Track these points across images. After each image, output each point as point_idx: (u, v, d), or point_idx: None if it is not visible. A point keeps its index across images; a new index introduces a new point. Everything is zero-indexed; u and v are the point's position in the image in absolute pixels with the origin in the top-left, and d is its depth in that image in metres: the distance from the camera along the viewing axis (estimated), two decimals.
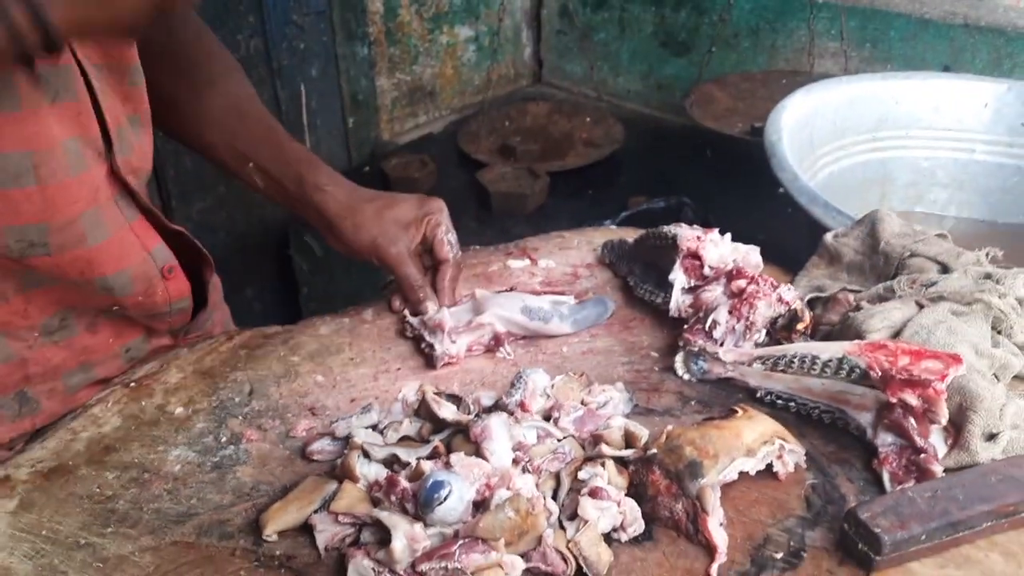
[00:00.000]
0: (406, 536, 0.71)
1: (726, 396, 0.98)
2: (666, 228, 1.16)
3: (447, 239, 1.14)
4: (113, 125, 0.97)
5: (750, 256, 1.14)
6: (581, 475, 0.80)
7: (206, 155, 1.23)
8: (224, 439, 0.93)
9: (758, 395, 0.96)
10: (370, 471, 0.81)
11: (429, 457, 0.81)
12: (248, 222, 2.49)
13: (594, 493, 0.77)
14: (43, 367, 1.01)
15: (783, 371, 0.94)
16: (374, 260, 1.13)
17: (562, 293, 1.20)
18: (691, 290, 1.10)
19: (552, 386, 0.93)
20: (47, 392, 1.02)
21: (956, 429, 0.86)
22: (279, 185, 1.17)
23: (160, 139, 1.11)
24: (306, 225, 2.30)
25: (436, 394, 0.89)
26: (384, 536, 0.73)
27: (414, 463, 0.79)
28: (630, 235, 1.29)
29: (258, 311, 2.57)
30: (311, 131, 2.51)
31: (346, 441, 0.87)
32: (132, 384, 1.02)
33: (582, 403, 0.92)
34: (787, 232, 1.46)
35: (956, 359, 0.84)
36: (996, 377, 0.91)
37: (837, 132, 1.71)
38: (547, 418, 0.89)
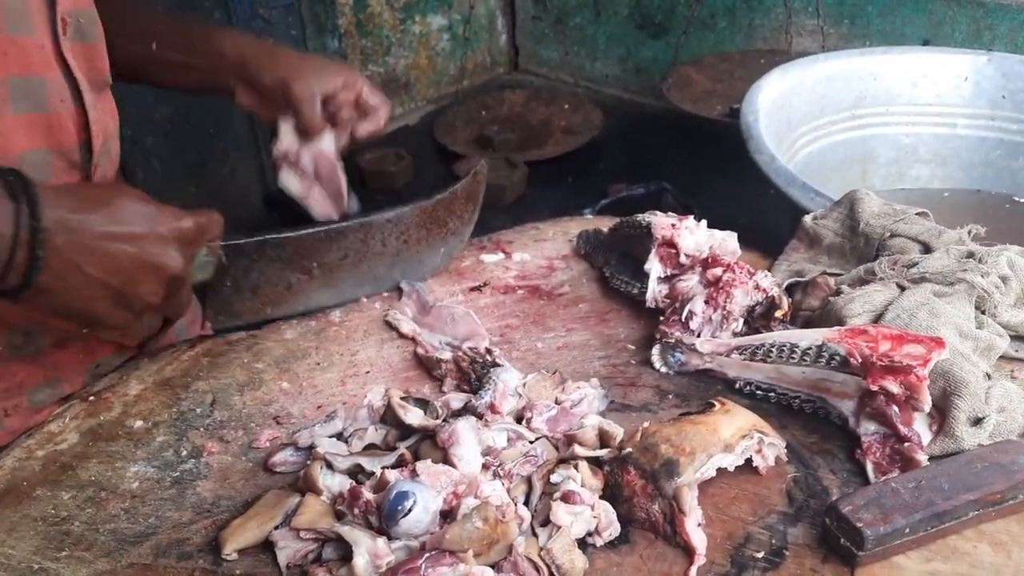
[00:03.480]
0: (368, 552, 0.68)
1: (705, 388, 0.95)
2: (640, 216, 1.13)
3: (370, 90, 1.15)
4: (101, 137, 0.97)
5: (727, 243, 1.11)
6: (553, 478, 0.77)
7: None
8: (184, 453, 0.90)
9: (737, 386, 0.93)
10: (333, 483, 0.78)
11: (395, 466, 0.78)
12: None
13: (567, 497, 0.74)
14: (7, 383, 0.98)
15: (762, 361, 0.91)
16: (279, 99, 1.11)
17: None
18: (667, 279, 1.06)
19: (524, 385, 0.89)
20: (11, 408, 0.99)
21: (941, 415, 0.83)
22: (185, 48, 1.14)
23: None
24: (279, 216, 2.28)
25: (403, 398, 0.86)
26: (347, 552, 0.70)
27: (378, 473, 0.76)
28: (606, 224, 1.26)
29: None
30: None
31: (310, 451, 0.84)
32: (91, 398, 0.98)
33: (556, 402, 0.89)
34: (769, 215, 1.43)
35: (939, 343, 0.81)
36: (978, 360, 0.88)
37: (815, 111, 1.68)
38: (519, 419, 0.86)
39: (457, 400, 0.87)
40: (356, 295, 1.13)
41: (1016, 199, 1.66)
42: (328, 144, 1.15)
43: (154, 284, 0.84)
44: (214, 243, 0.96)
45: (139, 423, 0.94)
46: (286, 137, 1.14)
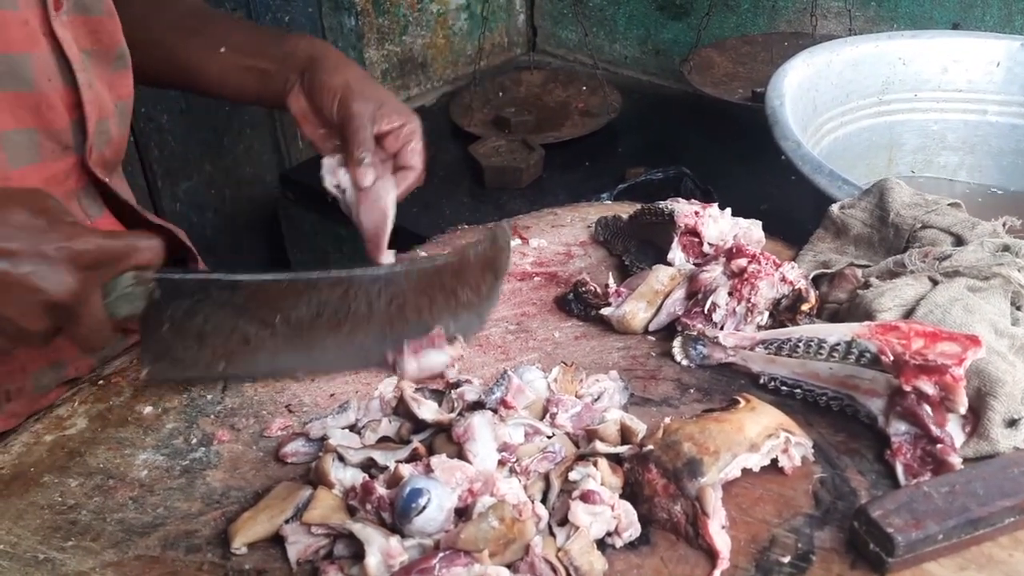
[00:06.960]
0: (381, 551, 0.66)
1: (727, 383, 0.92)
2: (662, 203, 1.10)
3: (418, 148, 1.05)
4: (95, 117, 0.93)
5: (752, 232, 1.08)
6: (572, 476, 0.74)
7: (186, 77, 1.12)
8: (195, 440, 0.88)
9: (761, 381, 0.91)
10: (346, 476, 0.76)
11: (408, 460, 0.75)
12: (236, 200, 2.42)
13: (586, 497, 0.71)
14: (9, 365, 0.96)
15: (788, 356, 0.88)
16: (332, 109, 1.00)
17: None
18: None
19: (555, 380, 0.87)
20: (14, 391, 0.97)
21: (975, 415, 0.80)
22: (253, 51, 1.05)
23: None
24: (294, 195, 2.26)
25: (416, 391, 0.83)
26: (360, 548, 0.68)
27: (392, 467, 0.74)
28: (625, 210, 1.23)
29: None
30: None
31: (322, 442, 0.82)
32: (100, 382, 0.96)
33: (576, 395, 0.86)
34: (792, 202, 1.40)
35: (974, 341, 0.78)
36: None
37: (841, 96, 1.64)
38: (543, 414, 0.83)
39: (472, 392, 0.85)
40: (336, 366, 0.95)
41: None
42: (384, 193, 1.02)
43: (25, 308, 0.72)
44: (145, 273, 0.80)
45: (149, 409, 0.92)
46: (329, 175, 1.02)
